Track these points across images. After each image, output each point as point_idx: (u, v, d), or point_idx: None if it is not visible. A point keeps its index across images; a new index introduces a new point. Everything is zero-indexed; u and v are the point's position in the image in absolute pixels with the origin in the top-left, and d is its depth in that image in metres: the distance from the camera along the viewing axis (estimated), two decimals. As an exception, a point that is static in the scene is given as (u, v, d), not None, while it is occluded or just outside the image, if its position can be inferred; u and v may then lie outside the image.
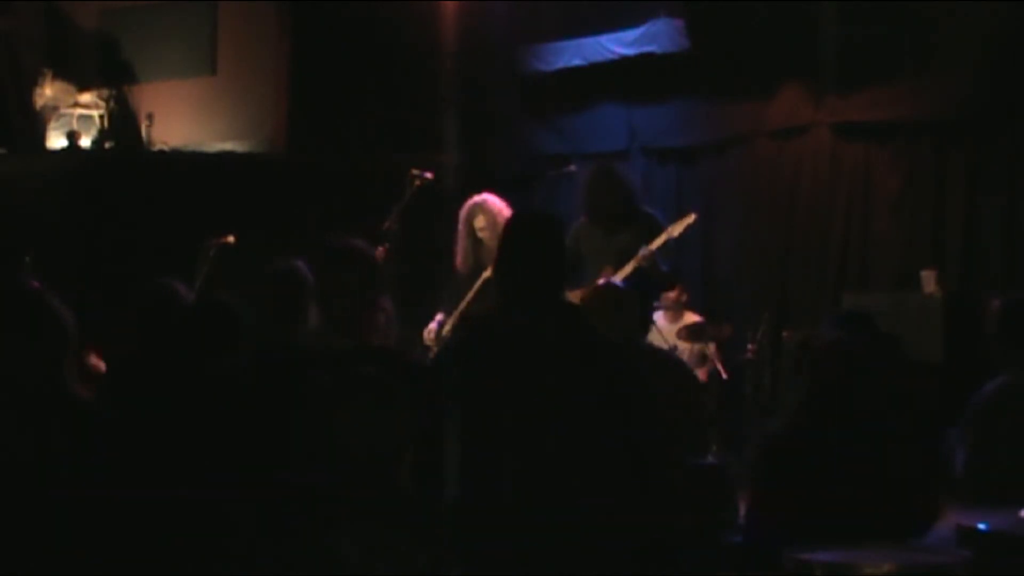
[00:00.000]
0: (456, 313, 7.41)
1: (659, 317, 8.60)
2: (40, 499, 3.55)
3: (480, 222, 7.35)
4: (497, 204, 7.40)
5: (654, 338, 8.12)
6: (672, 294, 8.77)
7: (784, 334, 8.88)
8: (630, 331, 5.33)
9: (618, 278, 7.00)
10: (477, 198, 7.49)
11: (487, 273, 7.19)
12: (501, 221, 7.21)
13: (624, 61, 9.99)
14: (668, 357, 6.17)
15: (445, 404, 3.57)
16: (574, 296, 6.23)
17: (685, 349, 8.72)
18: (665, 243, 7.21)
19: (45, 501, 3.55)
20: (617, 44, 10.01)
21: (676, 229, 7.26)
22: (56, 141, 10.63)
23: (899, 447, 4.64)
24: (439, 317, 7.60)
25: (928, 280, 8.44)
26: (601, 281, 6.01)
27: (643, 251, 7.10)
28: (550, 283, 3.66)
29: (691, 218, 7.37)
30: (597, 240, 7.26)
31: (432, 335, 7.52)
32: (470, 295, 7.32)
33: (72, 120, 10.62)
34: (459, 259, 7.49)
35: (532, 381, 3.52)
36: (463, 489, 3.54)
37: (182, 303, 4.66)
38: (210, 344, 4.17)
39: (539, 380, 3.52)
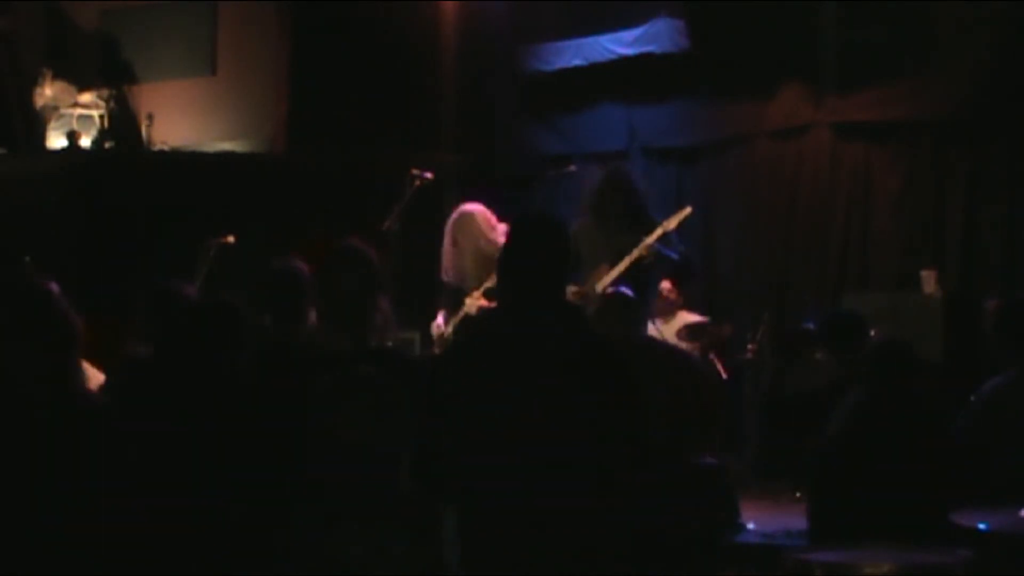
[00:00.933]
0: (458, 317, 7.42)
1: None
2: (47, 498, 3.56)
3: (459, 229, 7.39)
4: (478, 215, 7.42)
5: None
6: (668, 293, 8.75)
7: (784, 334, 8.89)
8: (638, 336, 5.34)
9: (618, 271, 7.00)
10: (465, 207, 7.53)
11: (489, 283, 7.19)
12: (476, 232, 7.27)
13: (624, 61, 9.98)
14: (686, 356, 6.17)
15: (446, 405, 3.57)
16: (573, 293, 6.24)
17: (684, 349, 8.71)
18: (664, 236, 7.21)
19: (52, 500, 3.55)
20: (617, 44, 10.01)
21: (672, 222, 7.25)
22: (56, 141, 10.63)
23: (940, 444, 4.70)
24: (441, 316, 7.60)
25: (928, 280, 8.44)
26: (610, 290, 6.01)
27: (642, 246, 7.09)
28: (551, 285, 3.66)
29: (686, 211, 7.36)
30: (597, 241, 7.25)
31: (441, 329, 7.54)
32: (475, 295, 7.31)
33: (72, 120, 10.62)
34: (444, 267, 7.52)
35: (532, 383, 3.51)
36: (463, 490, 3.53)
37: (187, 303, 4.66)
38: (213, 344, 4.16)
39: (539, 382, 3.51)
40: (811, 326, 8.34)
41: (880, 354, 4.93)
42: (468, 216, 7.45)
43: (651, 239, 7.12)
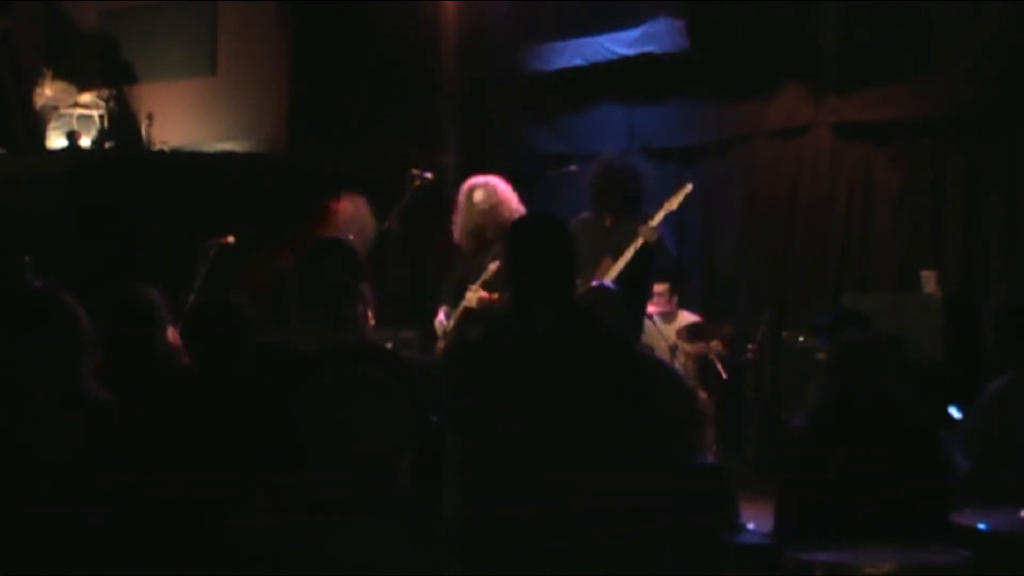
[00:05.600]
0: (459, 311, 7.41)
1: (655, 319, 8.57)
2: (56, 498, 3.56)
3: (479, 195, 7.33)
4: (499, 185, 7.38)
5: (653, 337, 8.14)
6: (661, 287, 8.72)
7: (784, 334, 8.89)
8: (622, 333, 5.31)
9: (623, 260, 6.99)
10: (479, 178, 7.49)
11: (486, 274, 7.19)
12: (499, 199, 7.23)
13: (624, 61, 9.99)
14: (661, 361, 6.16)
15: (449, 407, 3.57)
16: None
17: (685, 349, 8.71)
18: (665, 217, 7.20)
19: (61, 500, 3.56)
20: (617, 44, 10.01)
21: (674, 202, 7.23)
22: (56, 141, 10.63)
23: (918, 444, 4.69)
24: (442, 312, 7.60)
25: (928, 280, 8.45)
26: (594, 283, 5.99)
27: (645, 226, 7.06)
28: (560, 285, 3.65)
29: (687, 188, 7.32)
30: (597, 236, 7.25)
31: (443, 324, 7.54)
32: (474, 287, 7.30)
33: (72, 120, 10.62)
34: (456, 234, 7.48)
35: (543, 385, 3.51)
36: (470, 491, 3.53)
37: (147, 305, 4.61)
38: (216, 344, 4.17)
39: (550, 384, 3.51)
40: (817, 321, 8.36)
41: (845, 352, 4.91)
42: (492, 182, 7.40)
43: (655, 220, 7.11)
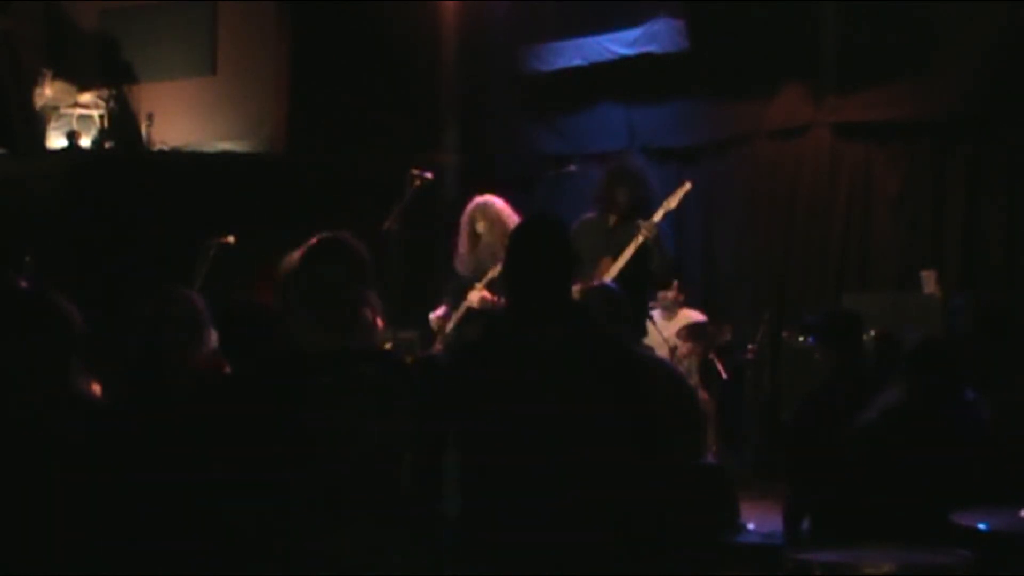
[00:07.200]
0: (461, 310, 7.42)
1: (657, 316, 8.59)
2: (49, 496, 3.56)
3: (481, 227, 7.37)
4: (498, 205, 7.41)
5: (653, 337, 8.14)
6: (669, 293, 8.74)
7: (784, 334, 8.89)
8: (623, 333, 5.31)
9: (623, 259, 7.01)
10: (480, 199, 7.50)
11: (491, 274, 7.20)
12: (501, 223, 7.25)
13: (624, 61, 9.98)
14: (662, 363, 6.16)
15: (448, 407, 3.57)
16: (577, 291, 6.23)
17: (684, 349, 8.71)
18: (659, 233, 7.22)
19: (54, 498, 3.56)
20: (617, 44, 10.01)
21: (673, 200, 7.26)
22: (56, 141, 10.63)
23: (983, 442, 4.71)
24: (441, 309, 7.60)
25: (928, 280, 8.45)
26: (596, 283, 6.00)
27: (645, 224, 7.08)
28: (558, 287, 3.65)
29: (686, 186, 7.34)
30: (599, 237, 7.27)
31: (438, 320, 7.54)
32: (478, 286, 7.31)
33: (72, 120, 10.62)
34: (458, 260, 7.51)
35: (541, 387, 3.51)
36: (469, 492, 3.53)
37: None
38: (252, 346, 4.17)
39: (548, 385, 3.51)
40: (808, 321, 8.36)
41: (919, 354, 4.94)
42: (491, 204, 7.43)
43: (657, 217, 7.13)
